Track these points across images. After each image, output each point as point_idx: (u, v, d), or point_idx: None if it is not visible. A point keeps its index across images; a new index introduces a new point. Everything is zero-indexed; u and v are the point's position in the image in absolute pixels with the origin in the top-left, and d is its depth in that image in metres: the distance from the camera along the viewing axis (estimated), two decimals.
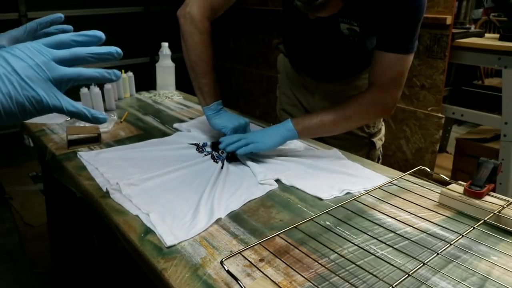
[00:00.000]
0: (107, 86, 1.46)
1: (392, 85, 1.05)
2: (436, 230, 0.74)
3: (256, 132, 1.08)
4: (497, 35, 2.20)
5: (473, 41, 2.11)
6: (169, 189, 0.89)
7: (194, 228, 0.74)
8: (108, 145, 1.14)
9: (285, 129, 1.04)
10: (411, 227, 0.75)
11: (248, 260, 0.64)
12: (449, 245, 0.66)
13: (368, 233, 0.72)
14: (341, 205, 0.78)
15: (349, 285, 0.59)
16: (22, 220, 2.20)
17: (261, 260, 0.66)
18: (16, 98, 0.45)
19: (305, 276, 0.61)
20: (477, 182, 0.79)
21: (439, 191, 0.84)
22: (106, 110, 1.44)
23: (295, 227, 0.70)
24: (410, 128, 2.30)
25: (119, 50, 0.52)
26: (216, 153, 1.07)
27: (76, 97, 1.41)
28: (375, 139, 1.32)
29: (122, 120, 1.36)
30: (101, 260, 1.66)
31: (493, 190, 0.81)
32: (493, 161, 0.80)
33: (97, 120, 0.53)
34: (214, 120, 1.13)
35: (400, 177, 0.90)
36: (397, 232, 0.73)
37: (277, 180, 0.94)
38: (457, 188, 0.82)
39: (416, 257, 0.65)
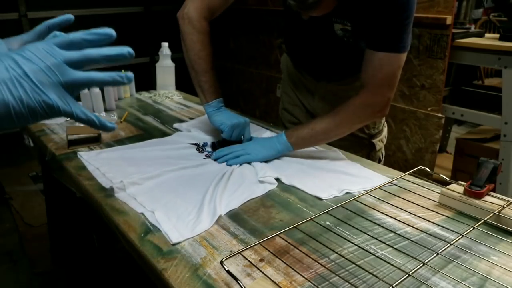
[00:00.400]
0: (108, 87, 1.46)
1: (383, 86, 1.03)
2: (436, 230, 0.74)
3: (250, 143, 1.09)
4: (497, 35, 2.20)
5: (473, 41, 2.11)
6: (172, 188, 0.89)
7: (199, 226, 0.75)
8: (108, 145, 1.14)
9: (279, 142, 1.05)
10: (411, 227, 0.75)
11: (248, 260, 0.64)
12: (449, 245, 0.66)
13: (368, 233, 0.72)
14: (341, 205, 0.78)
15: (349, 285, 0.59)
16: (22, 220, 2.20)
17: (261, 260, 0.66)
18: (27, 102, 0.45)
19: (305, 276, 0.61)
20: (477, 182, 0.79)
21: (439, 191, 0.84)
22: (106, 110, 1.44)
23: (295, 227, 0.70)
24: (410, 128, 2.30)
25: (131, 50, 0.52)
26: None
27: (76, 97, 1.41)
28: (375, 141, 1.31)
29: (122, 120, 1.36)
30: (101, 260, 1.66)
31: (493, 190, 0.81)
32: (493, 161, 0.80)
33: (105, 128, 0.53)
34: (214, 117, 1.14)
35: (400, 177, 0.90)
36: (397, 232, 0.73)
37: (277, 179, 0.94)
38: (457, 188, 0.82)
39: (416, 257, 0.65)
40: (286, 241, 0.70)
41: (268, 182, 0.92)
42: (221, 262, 0.61)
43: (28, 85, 0.45)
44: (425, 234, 0.73)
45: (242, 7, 3.14)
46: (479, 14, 2.90)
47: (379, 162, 1.34)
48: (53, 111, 0.47)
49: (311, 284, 0.60)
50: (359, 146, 1.29)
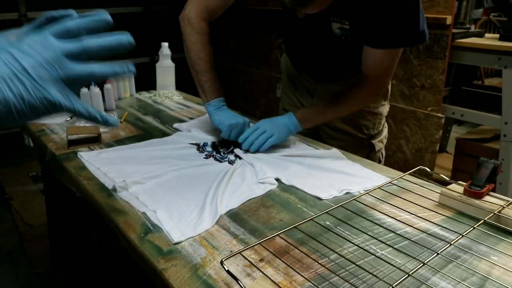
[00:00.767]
0: (107, 86, 1.46)
1: (384, 76, 1.12)
2: (436, 230, 0.74)
3: (267, 124, 1.10)
4: (497, 35, 2.20)
5: (473, 41, 2.11)
6: (173, 188, 0.89)
7: (201, 225, 0.75)
8: (108, 145, 1.14)
9: (291, 122, 1.11)
10: (411, 227, 0.74)
11: (248, 260, 0.64)
12: (449, 245, 0.66)
13: (368, 233, 0.72)
14: (341, 205, 0.78)
15: (349, 285, 0.59)
16: (22, 220, 2.20)
17: (261, 260, 0.66)
18: (28, 99, 0.43)
19: (305, 276, 0.61)
20: (477, 182, 0.79)
21: (439, 191, 0.84)
22: (106, 110, 1.44)
23: (295, 227, 0.70)
24: (410, 128, 2.30)
25: (130, 38, 0.50)
26: (218, 155, 1.07)
27: None
28: (374, 141, 1.31)
29: (122, 120, 1.36)
30: (101, 260, 1.66)
31: (493, 190, 0.81)
32: (493, 161, 0.80)
33: (108, 124, 0.52)
34: (213, 116, 1.15)
35: (400, 177, 0.90)
36: (397, 232, 0.73)
37: (277, 180, 0.94)
38: (457, 188, 0.82)
39: (416, 257, 0.65)
40: (286, 241, 0.70)
41: (268, 183, 0.92)
42: (221, 262, 0.61)
43: (28, 81, 0.43)
44: (425, 234, 0.73)
45: (242, 7, 3.14)
46: (479, 14, 2.91)
47: (379, 162, 1.34)
48: (54, 108, 0.46)
49: (311, 284, 0.60)
50: (359, 146, 1.29)
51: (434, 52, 2.11)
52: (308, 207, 0.84)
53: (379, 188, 0.85)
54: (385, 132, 1.36)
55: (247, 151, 1.07)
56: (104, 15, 0.50)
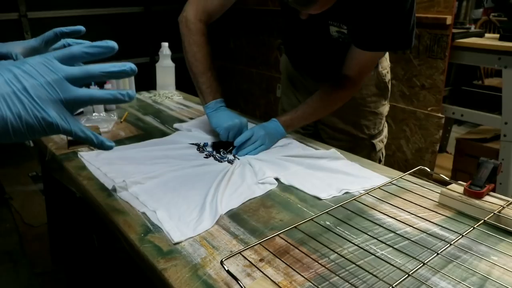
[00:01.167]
0: (107, 86, 1.46)
1: (365, 74, 1.16)
2: (436, 230, 0.74)
3: (262, 131, 1.10)
4: (497, 35, 2.20)
5: (473, 41, 2.11)
6: (173, 188, 0.89)
7: (201, 225, 0.75)
8: None
9: (280, 134, 1.14)
10: (411, 227, 0.74)
11: (248, 260, 0.64)
12: (449, 245, 0.66)
13: (368, 233, 0.72)
14: (341, 205, 0.78)
15: (349, 285, 0.59)
16: (22, 220, 2.20)
17: (261, 260, 0.66)
18: (25, 118, 0.44)
19: (305, 276, 0.61)
20: (477, 182, 0.79)
21: (439, 191, 0.84)
22: (106, 110, 1.44)
23: (295, 227, 0.70)
24: (410, 128, 2.30)
25: (133, 66, 0.50)
26: (218, 154, 1.07)
27: None
28: (375, 141, 1.31)
29: (122, 120, 1.36)
30: (101, 260, 1.66)
31: (493, 190, 0.81)
32: (493, 161, 0.80)
33: (103, 147, 0.53)
34: (211, 119, 1.15)
35: (400, 177, 0.90)
36: (397, 232, 0.73)
37: (276, 179, 0.94)
38: (457, 188, 0.82)
39: (416, 257, 0.65)
40: (286, 241, 0.70)
41: (268, 183, 0.92)
42: (221, 262, 0.61)
43: (27, 101, 0.44)
44: (425, 234, 0.73)
45: (242, 7, 3.14)
46: (479, 14, 2.91)
47: (379, 162, 1.34)
48: (51, 129, 0.46)
49: (311, 284, 0.60)
50: (359, 146, 1.29)
51: (434, 52, 2.11)
52: (308, 207, 0.84)
53: (379, 188, 0.85)
54: (385, 131, 1.36)
55: None
56: (110, 42, 0.51)
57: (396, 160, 2.39)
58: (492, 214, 0.73)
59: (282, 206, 0.84)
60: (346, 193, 0.89)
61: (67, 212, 1.61)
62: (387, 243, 0.69)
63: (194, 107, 1.52)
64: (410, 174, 0.92)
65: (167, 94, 1.67)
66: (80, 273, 1.74)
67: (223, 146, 1.11)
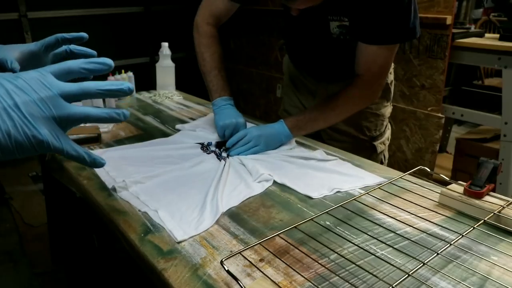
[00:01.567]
0: None
1: (378, 76, 1.09)
2: (436, 230, 0.74)
3: (256, 132, 1.08)
4: (497, 35, 2.20)
5: (473, 41, 2.11)
6: (175, 187, 0.90)
7: (202, 224, 0.75)
8: (108, 145, 1.14)
9: (282, 130, 1.09)
10: (411, 227, 0.74)
11: (248, 260, 0.64)
12: (449, 245, 0.66)
13: (368, 233, 0.72)
14: (341, 205, 0.78)
15: (349, 285, 0.59)
16: (22, 220, 2.20)
17: (261, 260, 0.66)
18: (15, 136, 0.42)
19: (305, 276, 0.61)
20: (477, 182, 0.79)
21: (439, 191, 0.84)
22: None
23: (295, 227, 0.70)
24: (410, 128, 2.31)
25: (131, 86, 0.49)
26: (219, 151, 1.08)
27: None
28: (376, 143, 1.30)
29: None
30: (101, 260, 1.66)
31: (493, 190, 0.81)
32: (493, 161, 0.80)
33: (95, 165, 0.52)
34: (215, 116, 1.18)
35: (400, 177, 0.90)
36: (397, 232, 0.73)
37: (271, 175, 0.95)
38: (457, 188, 0.82)
39: (416, 257, 0.65)
40: (286, 241, 0.70)
41: (264, 180, 0.93)
42: (221, 262, 0.61)
43: (17, 118, 0.41)
44: (425, 234, 0.73)
45: (242, 7, 3.14)
46: (479, 14, 2.91)
47: (381, 164, 1.33)
48: (41, 147, 0.44)
49: (311, 284, 0.60)
50: (360, 148, 1.27)
51: (434, 52, 2.11)
52: (308, 207, 0.84)
53: (379, 188, 0.85)
54: (387, 133, 1.35)
55: None
56: (107, 60, 0.49)
57: (396, 160, 2.39)
58: (492, 214, 0.73)
59: (282, 206, 0.84)
60: (338, 192, 0.89)
61: (67, 212, 1.61)
62: (387, 243, 0.69)
63: (194, 107, 1.52)
64: (410, 174, 0.92)
65: (167, 94, 1.67)
66: (80, 273, 1.73)
67: (221, 145, 1.12)
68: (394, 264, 0.64)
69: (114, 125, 1.30)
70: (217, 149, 1.09)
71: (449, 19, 2.02)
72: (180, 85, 1.75)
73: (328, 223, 0.77)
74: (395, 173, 0.99)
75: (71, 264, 1.76)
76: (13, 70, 0.60)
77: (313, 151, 1.08)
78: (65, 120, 0.46)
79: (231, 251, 0.68)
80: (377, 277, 0.61)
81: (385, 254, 0.68)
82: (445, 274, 0.62)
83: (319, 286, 0.59)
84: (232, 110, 1.17)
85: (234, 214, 0.81)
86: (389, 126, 1.36)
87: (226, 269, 0.59)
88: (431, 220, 0.76)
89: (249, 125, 1.21)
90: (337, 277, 0.61)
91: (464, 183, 0.81)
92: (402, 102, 2.30)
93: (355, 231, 0.74)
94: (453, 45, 2.09)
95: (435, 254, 0.63)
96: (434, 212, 0.79)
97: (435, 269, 0.63)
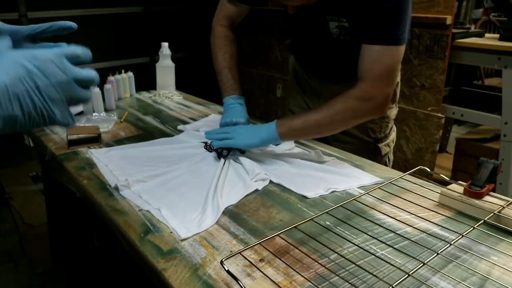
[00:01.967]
0: (107, 86, 1.46)
1: (380, 80, 1.00)
2: (436, 230, 0.74)
3: (237, 128, 1.09)
4: (497, 35, 2.20)
5: (473, 41, 2.11)
6: (177, 186, 0.90)
7: (205, 222, 0.76)
8: (108, 145, 1.14)
9: (268, 131, 1.02)
10: (411, 227, 0.74)
11: (248, 260, 0.64)
12: (449, 245, 0.66)
13: (368, 233, 0.72)
14: (341, 205, 0.78)
15: (349, 285, 0.59)
16: (22, 220, 2.20)
17: (261, 260, 0.66)
18: (34, 117, 0.45)
19: (305, 276, 0.61)
20: (477, 182, 0.79)
21: (439, 191, 0.84)
22: (106, 110, 1.44)
23: (295, 227, 0.70)
24: (410, 128, 2.31)
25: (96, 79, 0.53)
26: (221, 150, 1.08)
27: None
28: (380, 145, 1.29)
29: (122, 120, 1.36)
30: (101, 260, 1.66)
31: (493, 190, 0.81)
32: (493, 161, 0.80)
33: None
34: (223, 114, 1.19)
35: (400, 177, 0.90)
36: (397, 232, 0.73)
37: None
38: (457, 188, 0.82)
39: (416, 257, 0.65)
40: (286, 241, 0.70)
41: (261, 179, 0.93)
42: (221, 262, 0.61)
43: (38, 101, 0.45)
44: (425, 234, 0.73)
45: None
46: (479, 14, 2.91)
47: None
48: (52, 123, 0.48)
49: (311, 284, 0.60)
50: (364, 150, 1.25)
51: (434, 52, 2.11)
52: (308, 207, 0.84)
53: (379, 188, 0.85)
54: (392, 135, 1.33)
55: (241, 151, 1.07)
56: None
57: (396, 160, 2.39)
58: (492, 214, 0.73)
59: (282, 206, 0.84)
60: (336, 192, 0.89)
61: (67, 212, 1.61)
62: (387, 243, 0.69)
63: (194, 107, 1.52)
64: (410, 174, 0.92)
65: (167, 94, 1.67)
66: (80, 273, 1.73)
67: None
68: (394, 264, 0.64)
69: (114, 125, 1.30)
70: (219, 148, 1.09)
71: (449, 19, 2.02)
72: (180, 85, 1.75)
73: (328, 223, 0.77)
74: (395, 173, 0.99)
75: (71, 264, 1.76)
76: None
77: (310, 151, 1.08)
78: (74, 102, 0.50)
79: (231, 251, 0.68)
80: (377, 277, 0.61)
81: (385, 254, 0.68)
82: (445, 274, 0.62)
83: (319, 286, 0.59)
84: (237, 109, 1.17)
85: (234, 214, 0.81)
86: (394, 128, 1.34)
87: (226, 269, 0.59)
88: (431, 220, 0.76)
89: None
90: (337, 277, 0.61)
91: (464, 183, 0.81)
92: (402, 102, 2.30)
93: (355, 231, 0.74)
94: (453, 45, 2.09)
95: (435, 254, 0.63)
96: (434, 212, 0.79)
97: (435, 269, 0.63)
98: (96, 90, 1.40)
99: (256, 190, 0.90)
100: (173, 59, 1.68)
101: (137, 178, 0.91)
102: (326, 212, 0.76)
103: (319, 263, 0.64)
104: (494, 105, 2.22)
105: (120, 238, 0.77)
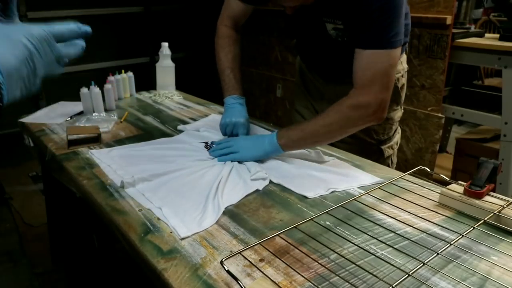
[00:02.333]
0: (107, 86, 1.46)
1: (373, 85, 0.97)
2: (436, 230, 0.74)
3: (240, 140, 1.08)
4: (497, 35, 2.20)
5: (473, 41, 2.11)
6: (178, 186, 0.91)
7: (205, 222, 0.76)
8: (108, 145, 1.14)
9: (270, 143, 1.02)
10: (411, 227, 0.75)
11: (248, 260, 0.64)
12: (449, 245, 0.66)
13: (368, 233, 0.72)
14: (341, 205, 0.78)
15: (349, 285, 0.59)
16: (22, 220, 2.20)
17: (261, 260, 0.66)
18: (25, 92, 0.48)
19: (305, 276, 0.61)
20: (477, 182, 0.79)
21: (439, 191, 0.84)
22: (106, 110, 1.44)
23: (295, 227, 0.70)
24: (410, 128, 2.30)
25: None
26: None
27: (76, 97, 1.41)
28: (383, 147, 1.28)
29: (122, 120, 1.36)
30: (101, 260, 1.66)
31: (493, 190, 0.81)
32: (493, 161, 0.80)
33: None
34: (223, 113, 1.19)
35: (400, 177, 0.90)
36: (397, 232, 0.73)
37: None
38: (457, 188, 0.82)
39: (416, 257, 0.65)
40: (286, 241, 0.70)
41: (261, 178, 0.93)
42: (221, 262, 0.61)
43: (33, 81, 0.49)
44: (425, 234, 0.73)
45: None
46: (479, 14, 2.91)
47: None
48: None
49: (311, 284, 0.60)
50: (367, 152, 1.24)
51: (434, 52, 2.11)
52: (308, 207, 0.84)
53: (379, 188, 0.85)
54: (396, 138, 1.32)
55: None
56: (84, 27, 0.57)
57: (396, 160, 2.39)
58: (492, 214, 0.73)
59: (282, 206, 0.84)
60: (335, 192, 0.89)
61: (67, 212, 1.61)
62: (387, 243, 0.69)
63: (194, 107, 1.52)
64: (410, 174, 0.92)
65: (167, 94, 1.67)
66: (80, 273, 1.73)
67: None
68: (394, 264, 0.64)
69: (114, 125, 1.30)
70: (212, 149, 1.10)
71: (449, 19, 2.02)
72: (180, 85, 1.75)
73: (328, 223, 0.77)
74: (395, 173, 0.99)
75: (71, 264, 1.76)
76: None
77: (310, 151, 1.08)
78: (46, 75, 0.53)
79: (231, 251, 0.68)
80: (377, 277, 0.61)
81: (385, 254, 0.68)
82: (445, 274, 0.62)
83: (319, 286, 0.59)
84: (237, 109, 1.17)
85: (234, 214, 0.81)
86: (399, 130, 1.33)
87: (226, 269, 0.59)
88: (431, 220, 0.76)
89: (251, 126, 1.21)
90: (337, 277, 0.61)
91: (464, 183, 0.81)
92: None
93: (355, 231, 0.74)
94: (453, 45, 2.09)
95: (435, 254, 0.63)
96: (434, 212, 0.79)
97: (435, 269, 0.63)
98: (96, 90, 1.40)
99: (257, 190, 0.90)
100: (173, 59, 1.68)
101: (142, 176, 0.92)
102: (326, 212, 0.76)
103: (319, 263, 0.64)
104: (494, 105, 2.22)
105: (120, 238, 0.77)
